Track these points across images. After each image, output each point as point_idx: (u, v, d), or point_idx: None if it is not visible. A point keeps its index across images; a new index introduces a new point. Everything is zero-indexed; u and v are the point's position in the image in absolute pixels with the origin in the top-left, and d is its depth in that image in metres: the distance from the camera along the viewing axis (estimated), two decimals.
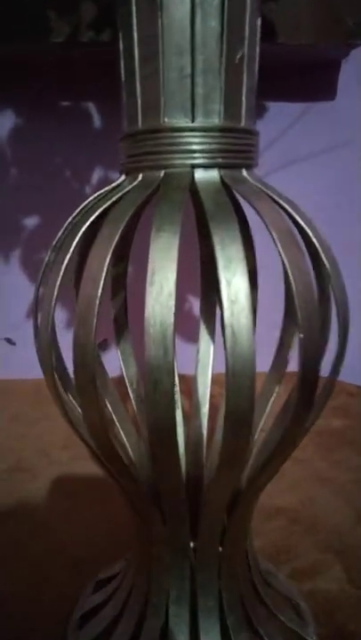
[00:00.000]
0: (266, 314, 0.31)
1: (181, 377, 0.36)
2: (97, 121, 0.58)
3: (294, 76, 0.57)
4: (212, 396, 0.31)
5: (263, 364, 0.22)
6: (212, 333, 0.30)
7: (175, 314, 0.17)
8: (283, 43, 0.48)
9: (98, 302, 0.18)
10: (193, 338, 0.35)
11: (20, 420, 0.56)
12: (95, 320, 0.18)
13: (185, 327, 0.57)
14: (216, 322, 0.30)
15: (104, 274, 0.18)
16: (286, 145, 0.59)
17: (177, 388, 0.32)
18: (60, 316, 0.63)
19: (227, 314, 0.17)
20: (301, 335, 0.17)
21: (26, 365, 0.66)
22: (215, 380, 0.30)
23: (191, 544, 0.24)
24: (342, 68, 0.58)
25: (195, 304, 0.58)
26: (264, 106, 0.58)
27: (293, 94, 0.57)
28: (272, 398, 0.27)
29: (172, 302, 0.17)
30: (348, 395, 0.60)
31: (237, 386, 0.17)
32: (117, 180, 0.22)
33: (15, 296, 0.64)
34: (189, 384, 0.34)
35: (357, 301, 0.63)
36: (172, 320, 0.17)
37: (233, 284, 0.17)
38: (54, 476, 0.44)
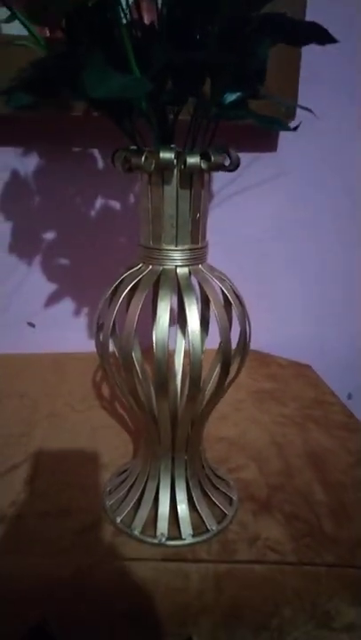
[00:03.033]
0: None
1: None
2: (100, 163, 0.78)
3: (244, 135, 0.78)
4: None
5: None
6: (184, 335, 0.52)
7: (167, 335, 0.39)
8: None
9: (134, 330, 0.40)
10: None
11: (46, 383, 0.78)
12: (133, 339, 0.40)
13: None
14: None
15: (137, 317, 0.40)
16: (241, 179, 0.81)
17: None
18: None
19: (191, 338, 0.39)
20: (221, 343, 0.40)
21: (42, 343, 0.88)
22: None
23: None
24: None
25: None
26: None
27: (243, 149, 0.79)
28: (215, 371, 0.50)
29: (166, 330, 0.39)
30: (278, 366, 0.84)
31: (193, 368, 0.40)
32: (137, 265, 0.43)
33: (36, 291, 0.85)
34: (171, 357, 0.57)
35: (294, 300, 0.86)
36: (166, 339, 0.39)
37: (192, 324, 0.39)
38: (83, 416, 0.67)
